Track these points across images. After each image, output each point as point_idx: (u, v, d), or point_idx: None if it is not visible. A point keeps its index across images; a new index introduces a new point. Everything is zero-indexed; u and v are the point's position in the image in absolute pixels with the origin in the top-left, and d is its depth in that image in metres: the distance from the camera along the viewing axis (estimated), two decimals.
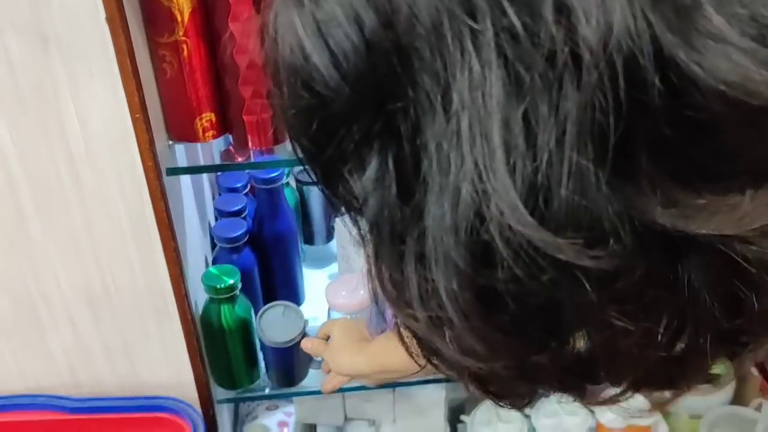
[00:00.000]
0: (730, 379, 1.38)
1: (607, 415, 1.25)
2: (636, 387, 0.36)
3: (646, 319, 0.29)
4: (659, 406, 1.04)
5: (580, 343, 0.31)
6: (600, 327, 0.29)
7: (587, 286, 0.27)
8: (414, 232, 0.28)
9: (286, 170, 1.21)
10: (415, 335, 0.34)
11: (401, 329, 0.34)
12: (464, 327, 0.29)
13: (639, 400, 1.13)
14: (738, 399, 1.38)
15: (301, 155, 0.32)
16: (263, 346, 1.03)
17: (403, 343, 0.36)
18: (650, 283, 0.28)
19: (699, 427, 1.33)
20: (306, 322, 1.02)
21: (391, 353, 0.86)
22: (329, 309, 1.04)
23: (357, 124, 0.28)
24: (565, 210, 0.25)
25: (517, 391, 0.37)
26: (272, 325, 1.01)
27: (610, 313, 0.28)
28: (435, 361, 0.35)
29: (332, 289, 1.03)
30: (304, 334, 1.01)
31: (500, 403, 0.37)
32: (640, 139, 0.25)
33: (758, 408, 1.33)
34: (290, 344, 1.00)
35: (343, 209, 0.33)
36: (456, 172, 0.26)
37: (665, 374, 0.35)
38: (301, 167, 1.21)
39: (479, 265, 0.27)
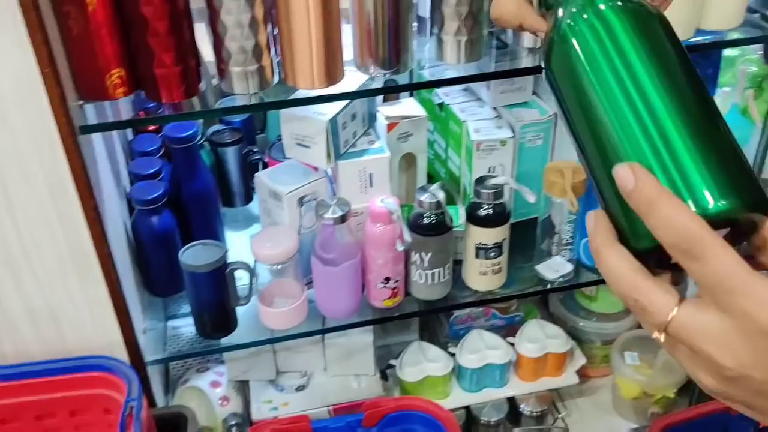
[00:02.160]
0: None
1: (525, 346, 1.32)
2: None
3: None
4: None
5: None
6: None
7: None
8: None
9: (200, 131, 1.21)
10: None
11: None
12: None
13: (554, 329, 1.21)
14: None
15: None
16: (188, 289, 1.04)
17: None
18: None
19: (611, 351, 1.42)
20: (227, 251, 1.03)
21: None
22: (254, 261, 1.05)
23: None
24: None
25: None
26: (193, 256, 1.02)
27: None
28: None
29: (257, 240, 1.04)
30: (225, 264, 1.02)
31: None
32: None
33: None
34: (213, 268, 1.01)
35: None
36: None
37: None
38: (216, 129, 1.20)
39: None
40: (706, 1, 0.99)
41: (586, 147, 0.47)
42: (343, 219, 1.01)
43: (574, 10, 0.48)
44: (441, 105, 1.27)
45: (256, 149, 1.30)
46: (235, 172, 1.28)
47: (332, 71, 0.90)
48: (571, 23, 0.47)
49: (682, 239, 0.39)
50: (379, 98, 1.18)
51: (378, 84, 0.95)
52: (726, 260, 0.39)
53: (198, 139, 1.11)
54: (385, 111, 1.14)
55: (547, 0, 0.53)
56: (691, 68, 0.45)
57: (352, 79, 0.94)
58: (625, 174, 0.42)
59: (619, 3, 0.47)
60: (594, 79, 0.46)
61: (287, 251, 1.03)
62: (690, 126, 0.42)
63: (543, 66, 0.50)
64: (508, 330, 1.42)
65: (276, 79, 0.92)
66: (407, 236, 1.03)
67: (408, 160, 1.19)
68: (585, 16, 0.47)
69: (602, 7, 0.47)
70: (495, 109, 1.22)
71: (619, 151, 0.44)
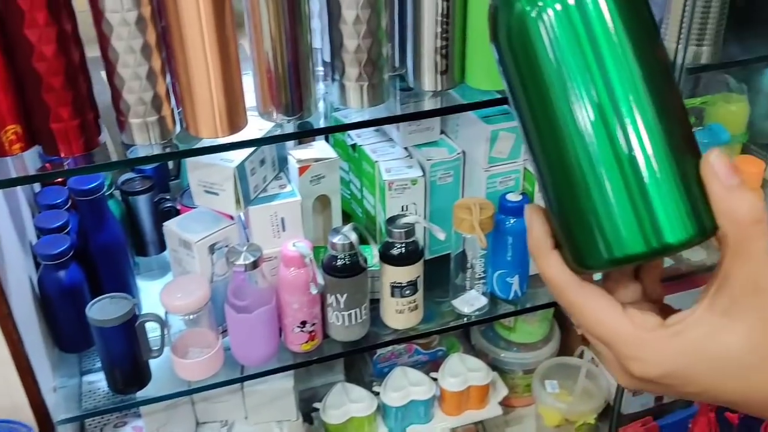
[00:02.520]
0: (556, 333, 1.51)
1: (448, 380, 1.33)
2: None
3: None
4: None
5: None
6: None
7: None
8: None
9: (108, 181, 1.19)
10: None
11: None
12: None
13: (475, 362, 1.22)
14: (564, 350, 1.51)
15: None
16: (98, 344, 1.02)
17: None
18: None
19: (532, 379, 1.44)
20: (135, 303, 1.01)
21: None
22: (166, 312, 1.04)
23: None
24: None
25: None
26: (101, 310, 1.00)
27: None
28: None
29: (167, 291, 1.03)
30: (135, 317, 1.00)
31: None
32: None
33: (580, 355, 1.46)
34: (122, 322, 0.99)
35: None
36: None
37: None
38: (127, 177, 1.18)
39: None
40: None
41: (534, 140, 0.41)
42: (254, 265, 1.00)
43: None
44: (354, 146, 1.29)
45: (168, 196, 1.29)
46: (147, 221, 1.26)
47: (235, 119, 0.90)
48: None
49: None
50: (291, 141, 1.18)
51: (285, 130, 0.96)
52: None
53: (104, 190, 1.09)
54: (297, 154, 1.15)
55: None
56: (666, 62, 0.41)
57: (258, 125, 0.94)
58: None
59: None
60: (556, 72, 0.38)
61: (198, 301, 1.02)
62: (664, 156, 0.39)
63: (489, 33, 0.43)
64: (432, 365, 1.43)
65: (178, 128, 0.91)
66: (320, 279, 1.03)
67: (322, 202, 1.20)
68: None
69: None
70: (406, 149, 1.24)
71: (579, 153, 0.39)
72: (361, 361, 1.46)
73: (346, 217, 1.38)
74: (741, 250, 0.39)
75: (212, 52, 0.85)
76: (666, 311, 0.45)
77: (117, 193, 1.24)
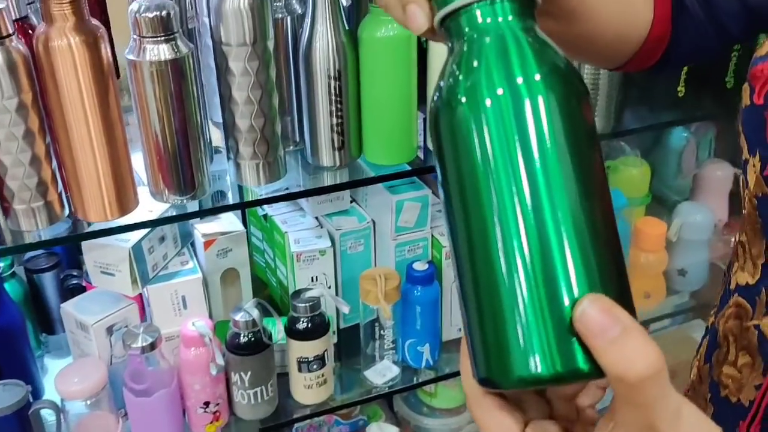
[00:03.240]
0: None
1: None
2: None
3: None
4: None
5: None
6: None
7: None
8: None
9: (8, 261, 1.16)
10: None
11: None
12: None
13: (394, 431, 1.19)
14: None
15: None
16: None
17: None
18: None
19: None
20: (29, 390, 0.98)
21: None
22: (62, 400, 1.00)
23: None
24: None
25: None
26: None
27: None
28: None
29: (63, 376, 1.00)
30: (28, 404, 0.96)
31: None
32: None
33: None
34: (14, 410, 0.95)
35: None
36: None
37: None
38: (33, 254, 1.13)
39: None
40: None
41: (461, 251, 0.36)
42: (152, 347, 0.98)
43: (479, 77, 0.35)
44: (265, 216, 1.28)
45: (75, 273, 1.26)
46: (53, 299, 1.23)
47: (124, 201, 0.89)
48: (472, 94, 0.35)
49: None
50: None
51: (180, 210, 0.95)
52: None
53: (1, 271, 1.06)
54: (202, 228, 1.13)
55: (456, 21, 0.37)
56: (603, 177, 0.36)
57: (152, 205, 0.93)
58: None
59: (544, 77, 0.34)
60: (488, 178, 0.34)
61: (95, 385, 0.99)
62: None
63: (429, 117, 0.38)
64: None
65: (66, 211, 0.90)
66: (219, 359, 1.01)
67: (231, 275, 1.18)
68: (494, 89, 0.34)
69: (519, 81, 0.34)
70: (317, 218, 1.24)
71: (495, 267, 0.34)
72: None
73: (263, 287, 1.37)
74: (631, 401, 0.33)
75: (97, 136, 0.84)
76: None
77: (22, 270, 1.21)
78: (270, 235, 1.28)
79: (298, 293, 1.09)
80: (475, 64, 0.35)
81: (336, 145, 0.99)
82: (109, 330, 1.03)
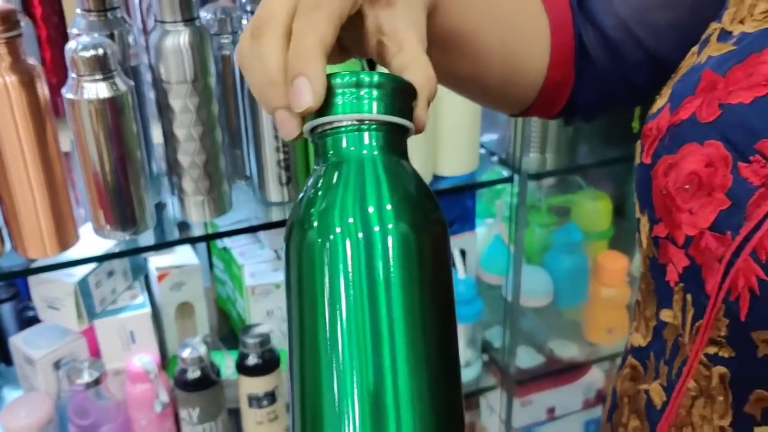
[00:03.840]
0: None
1: None
2: None
3: None
4: None
5: None
6: None
7: None
8: None
9: None
10: None
11: None
12: None
13: None
14: None
15: None
16: None
17: None
18: None
19: None
20: None
21: None
22: None
23: None
24: None
25: None
26: None
27: None
28: None
29: (8, 411, 0.99)
30: None
31: None
32: None
33: None
34: None
35: None
36: None
37: None
38: None
39: None
40: (439, 150, 1.06)
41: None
42: (96, 382, 0.97)
43: (333, 203, 0.34)
44: (224, 249, 1.28)
45: (32, 305, 1.26)
46: (11, 330, 1.22)
47: (64, 236, 0.89)
48: (323, 220, 0.34)
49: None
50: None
51: (122, 246, 0.95)
52: None
53: None
54: (156, 261, 1.13)
55: (323, 139, 0.37)
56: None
57: (98, 241, 0.93)
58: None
59: (395, 209, 0.34)
60: (323, 304, 0.33)
61: (40, 421, 0.98)
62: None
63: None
64: None
65: (8, 246, 0.90)
66: (163, 396, 1.00)
67: (188, 309, 1.18)
68: (345, 218, 0.33)
69: (371, 211, 0.33)
70: (276, 251, 1.24)
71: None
72: None
73: (225, 318, 1.36)
74: None
75: (34, 174, 0.84)
76: None
77: None
78: (229, 267, 1.28)
79: (247, 329, 1.09)
80: (333, 188, 0.35)
81: (283, 180, 0.99)
82: (57, 364, 1.03)
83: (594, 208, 1.27)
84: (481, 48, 0.49)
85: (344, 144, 0.36)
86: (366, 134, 0.36)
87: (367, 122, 0.36)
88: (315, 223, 0.34)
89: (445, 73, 0.47)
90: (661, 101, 0.47)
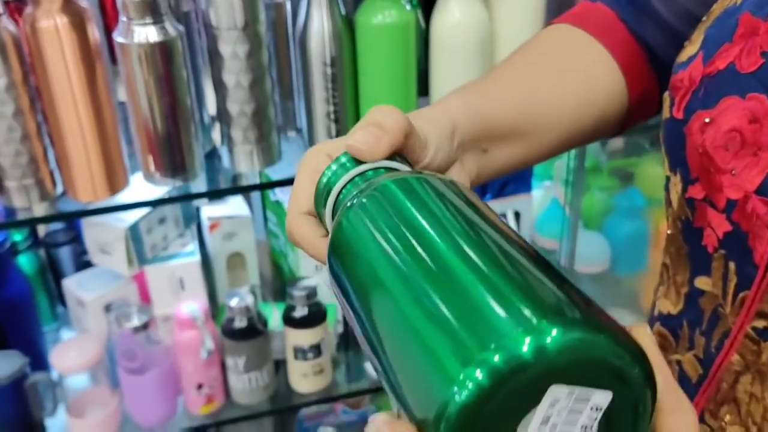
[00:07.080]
0: None
1: None
2: None
3: None
4: None
5: None
6: None
7: None
8: None
9: (23, 235, 1.19)
10: None
11: None
12: None
13: None
14: None
15: None
16: None
17: None
18: None
19: None
20: (27, 361, 1.00)
21: None
22: (59, 375, 1.02)
23: None
24: None
25: None
26: None
27: None
28: None
29: (59, 350, 1.02)
30: (24, 375, 0.99)
31: None
32: None
33: None
34: (10, 381, 0.98)
35: None
36: None
37: None
38: (53, 229, 1.11)
39: None
40: None
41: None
42: (144, 327, 0.99)
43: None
44: (277, 202, 1.27)
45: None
46: (69, 273, 1.25)
47: (114, 181, 0.90)
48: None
49: None
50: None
51: (176, 192, 0.95)
52: None
53: (6, 246, 1.08)
54: (208, 211, 1.14)
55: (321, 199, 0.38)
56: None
57: (148, 188, 0.94)
58: None
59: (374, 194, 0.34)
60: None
61: (90, 361, 1.00)
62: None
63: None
64: (362, 425, 1.40)
65: (60, 189, 0.91)
66: (209, 343, 1.01)
67: (239, 260, 1.18)
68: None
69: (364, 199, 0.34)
70: None
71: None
72: (293, 417, 1.43)
73: (278, 271, 1.37)
74: None
75: (85, 116, 0.85)
76: None
77: (39, 246, 1.24)
78: (281, 221, 1.27)
79: (294, 282, 1.08)
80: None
81: (333, 132, 0.98)
82: (107, 307, 1.05)
83: (658, 173, 1.21)
84: (552, 118, 0.48)
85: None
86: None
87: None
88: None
89: (522, 151, 0.47)
90: (691, 48, 0.42)
